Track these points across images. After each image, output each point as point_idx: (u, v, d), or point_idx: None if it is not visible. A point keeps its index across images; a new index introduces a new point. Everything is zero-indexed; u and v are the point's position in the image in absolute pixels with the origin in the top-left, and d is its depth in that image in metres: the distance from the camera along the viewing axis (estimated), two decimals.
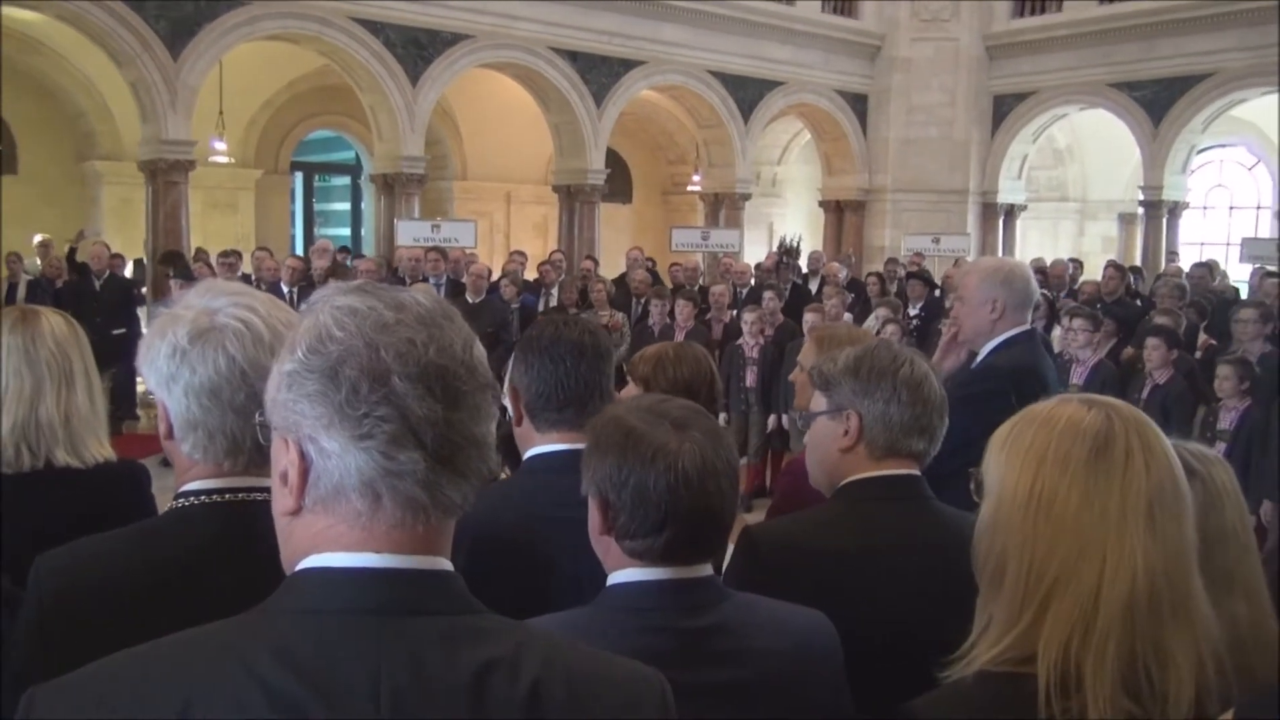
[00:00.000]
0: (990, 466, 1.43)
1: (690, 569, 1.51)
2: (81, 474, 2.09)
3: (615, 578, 1.53)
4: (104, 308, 9.99)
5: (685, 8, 15.70)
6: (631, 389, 2.49)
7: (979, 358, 3.28)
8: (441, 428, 0.98)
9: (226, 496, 1.45)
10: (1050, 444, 1.38)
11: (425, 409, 0.97)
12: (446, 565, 1.04)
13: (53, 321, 2.15)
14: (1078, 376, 6.69)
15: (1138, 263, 16.28)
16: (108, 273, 10.44)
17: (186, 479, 1.48)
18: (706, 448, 1.50)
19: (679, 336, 8.33)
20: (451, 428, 0.99)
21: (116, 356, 9.00)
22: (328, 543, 1.00)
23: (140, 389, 10.22)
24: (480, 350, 1.05)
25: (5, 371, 2.05)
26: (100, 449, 2.15)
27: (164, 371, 1.44)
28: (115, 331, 9.65)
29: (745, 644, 1.51)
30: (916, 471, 1.94)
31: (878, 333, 7.92)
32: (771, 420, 8.31)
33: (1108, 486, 1.31)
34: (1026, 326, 3.26)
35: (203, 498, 1.45)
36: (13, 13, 11.84)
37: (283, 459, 1.02)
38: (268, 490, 1.46)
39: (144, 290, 11.72)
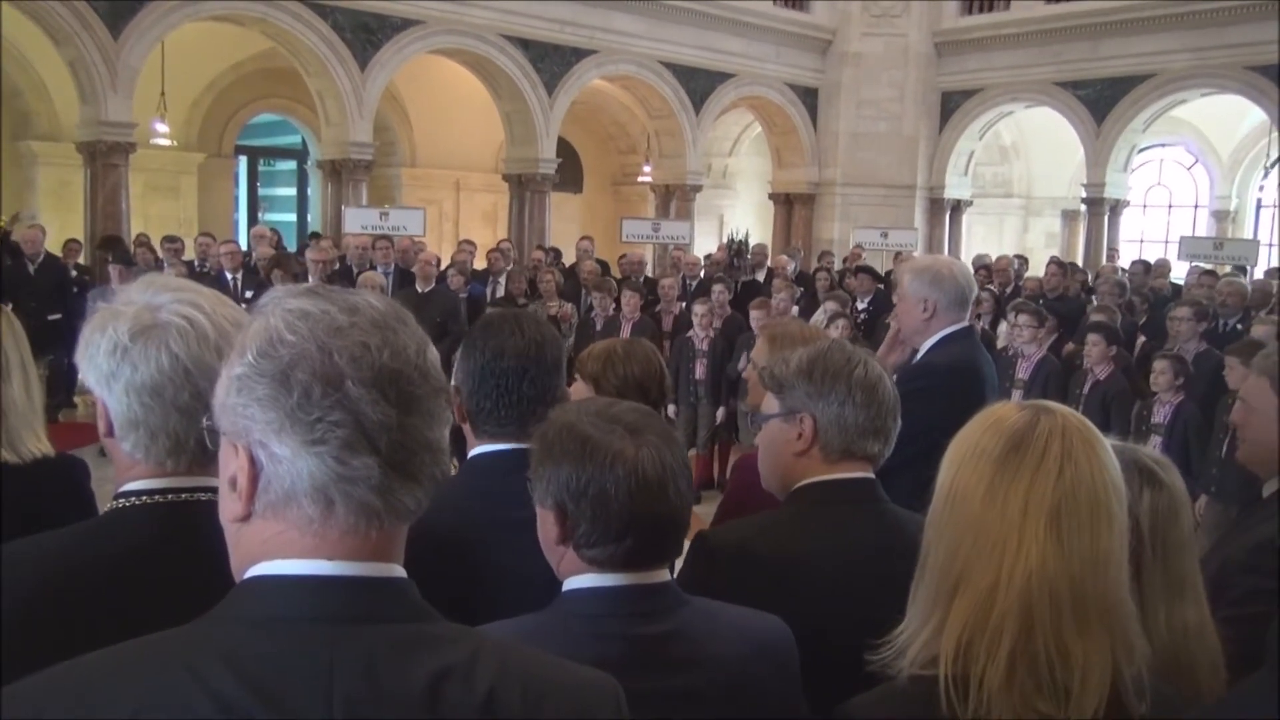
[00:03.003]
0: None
1: (648, 574, 1.50)
2: (18, 470, 2.02)
3: (571, 584, 1.51)
4: (39, 292, 9.73)
5: None
6: (580, 386, 2.46)
7: (918, 355, 3.31)
8: (395, 433, 0.96)
9: (169, 497, 1.41)
10: (971, 441, 1.39)
11: (379, 414, 0.95)
12: (400, 572, 1.02)
13: None
14: (1023, 371, 6.80)
15: (1079, 259, 16.59)
16: (42, 256, 10.18)
17: (127, 478, 1.44)
18: (664, 451, 1.49)
19: (625, 329, 8.33)
20: (405, 433, 0.97)
21: (53, 343, 8.77)
22: (278, 549, 0.98)
23: (80, 376, 9.99)
24: (434, 354, 1.03)
25: None
26: (37, 444, 2.08)
27: (104, 369, 1.40)
28: (51, 317, 9.41)
29: (702, 650, 1.51)
30: (871, 474, 1.94)
31: (826, 326, 7.98)
32: (720, 412, 8.34)
33: (1013, 485, 1.30)
34: (964, 324, 3.29)
35: (144, 498, 1.41)
36: None
37: (231, 464, 0.99)
38: (212, 491, 1.43)
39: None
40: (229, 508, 1.01)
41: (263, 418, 0.95)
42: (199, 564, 1.34)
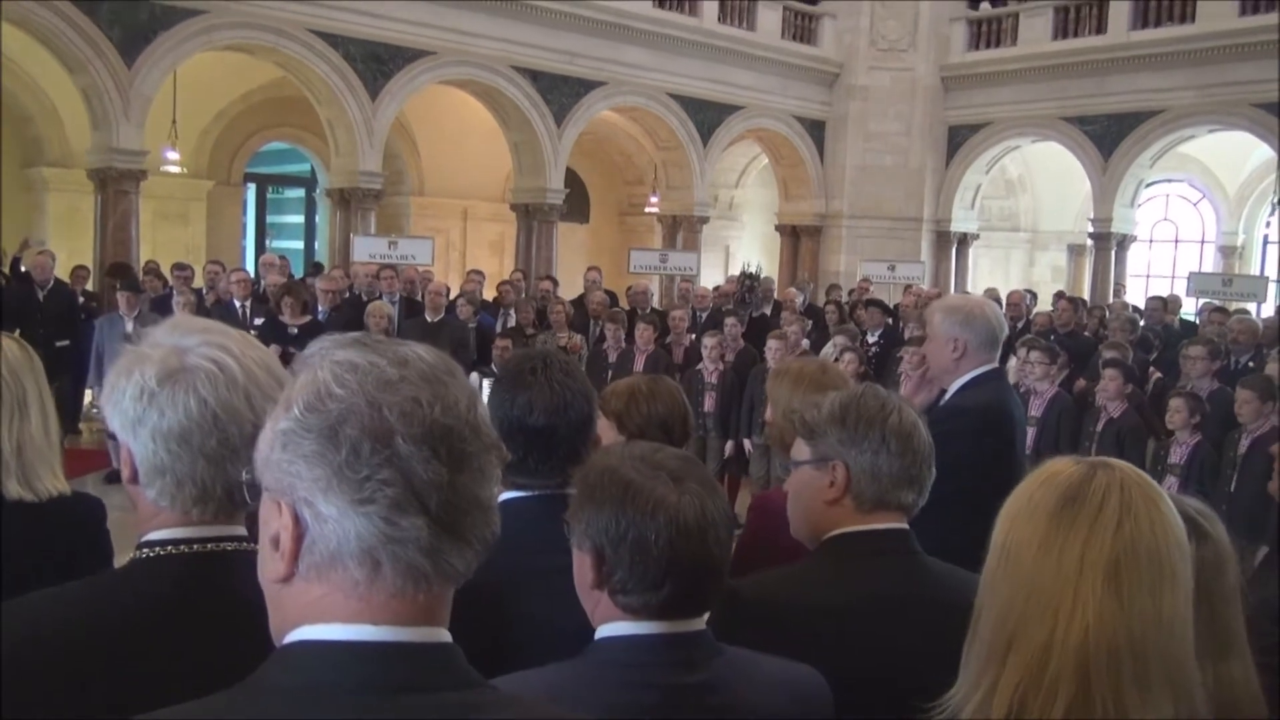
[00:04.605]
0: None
1: (684, 623, 1.47)
2: (34, 507, 1.98)
3: (605, 631, 1.48)
4: (48, 319, 9.72)
5: (647, 30, 15.78)
6: (603, 423, 2.43)
7: (946, 395, 3.26)
8: (446, 492, 0.93)
9: (195, 547, 1.37)
10: (1025, 495, 1.35)
11: (430, 472, 0.92)
12: (445, 636, 0.98)
13: (6, 347, 2.05)
14: (1035, 409, 6.75)
15: (1086, 293, 16.58)
16: (51, 283, 10.18)
17: (151, 526, 1.40)
18: (705, 500, 1.47)
19: (639, 360, 8.29)
20: (456, 491, 0.94)
21: (60, 370, 8.76)
22: (322, 612, 0.94)
23: (85, 403, 9.96)
24: (484, 408, 1.00)
25: None
26: (54, 481, 2.04)
27: (130, 414, 1.36)
28: (59, 344, 9.40)
29: (739, 700, 1.47)
30: (905, 525, 1.89)
31: (835, 360, 7.94)
32: (729, 446, 8.29)
33: (1069, 538, 1.26)
34: (993, 365, 3.25)
35: (169, 548, 1.37)
36: None
37: (274, 522, 0.95)
38: (238, 540, 1.40)
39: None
40: (270, 567, 0.97)
41: (309, 475, 0.92)
42: (227, 617, 1.30)
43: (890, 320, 10.39)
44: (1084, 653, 1.21)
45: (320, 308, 9.16)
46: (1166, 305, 10.81)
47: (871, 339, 9.66)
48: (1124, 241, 17.30)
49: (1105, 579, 1.23)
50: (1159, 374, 8.12)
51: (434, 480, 0.92)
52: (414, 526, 0.92)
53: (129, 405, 1.36)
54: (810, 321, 10.01)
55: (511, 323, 9.85)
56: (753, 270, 13.85)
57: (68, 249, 13.15)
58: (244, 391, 1.36)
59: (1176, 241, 21.18)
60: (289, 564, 0.95)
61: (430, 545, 0.93)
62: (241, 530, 1.40)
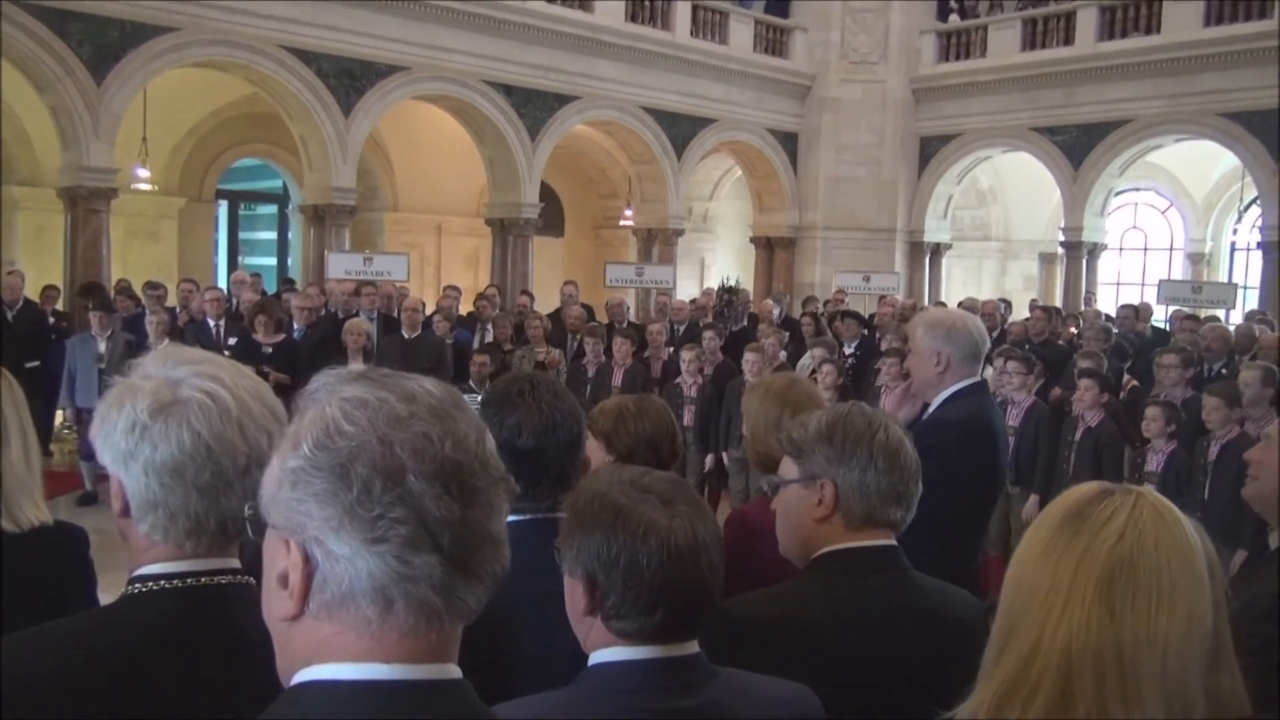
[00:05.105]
0: None
1: (678, 646, 1.47)
2: (16, 538, 1.97)
3: (599, 656, 1.48)
4: (17, 340, 9.59)
5: (620, 44, 15.83)
6: (591, 444, 2.43)
7: (930, 410, 3.28)
8: (458, 528, 0.93)
9: (189, 581, 1.35)
10: (1043, 512, 1.36)
11: (442, 509, 0.92)
12: (456, 672, 0.98)
13: None
14: (1013, 418, 6.79)
15: (1058, 301, 16.74)
16: (20, 303, 10.07)
17: (143, 560, 1.38)
18: (696, 522, 1.47)
19: (617, 375, 8.29)
20: (468, 527, 0.94)
21: (31, 390, 8.62)
22: (332, 652, 0.94)
23: (57, 423, 9.84)
24: (491, 441, 1.00)
25: None
26: (36, 511, 2.03)
27: (121, 447, 1.34)
28: (29, 365, 9.28)
29: None
30: (893, 541, 1.91)
31: (812, 373, 7.98)
32: (709, 459, 8.30)
33: (1067, 547, 1.26)
34: (976, 379, 3.28)
35: (163, 582, 1.35)
36: None
37: (281, 560, 0.95)
38: (232, 573, 1.39)
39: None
40: (278, 606, 0.96)
41: (320, 514, 0.91)
42: (224, 651, 1.30)
43: (866, 331, 10.44)
44: (1067, 658, 1.21)
45: (296, 325, 9.10)
46: (1138, 313, 10.92)
47: (848, 350, 9.70)
48: (1094, 250, 17.49)
49: (1097, 589, 1.23)
50: (1134, 382, 8.20)
51: (446, 517, 0.92)
52: (427, 564, 0.91)
53: (120, 438, 1.34)
54: (787, 334, 10.04)
55: (489, 338, 9.83)
56: (731, 284, 13.89)
57: (37, 268, 13.00)
58: (237, 423, 1.35)
59: (1146, 249, 21.42)
60: (299, 603, 0.94)
61: (443, 583, 0.92)
62: (236, 563, 1.39)
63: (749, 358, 7.73)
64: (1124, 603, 1.23)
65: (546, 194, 17.22)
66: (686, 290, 16.98)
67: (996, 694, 1.25)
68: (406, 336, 8.79)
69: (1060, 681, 1.22)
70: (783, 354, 9.02)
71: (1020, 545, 1.35)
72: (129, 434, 1.33)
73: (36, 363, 9.52)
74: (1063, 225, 17.48)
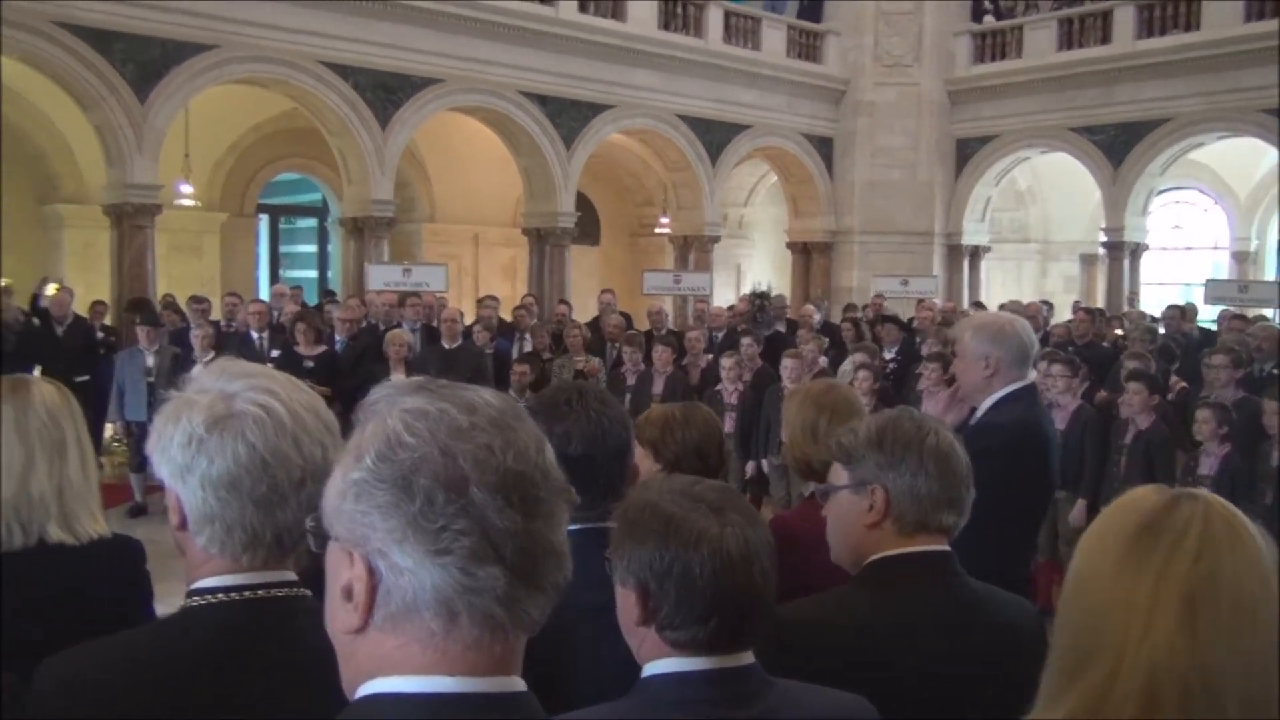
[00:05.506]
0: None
1: (733, 657, 1.46)
2: (75, 550, 1.99)
3: (652, 668, 1.47)
4: (67, 355, 9.78)
5: (653, 53, 15.86)
6: (639, 452, 2.42)
7: (978, 414, 3.24)
8: (521, 539, 0.92)
9: (245, 594, 1.36)
10: (1105, 522, 1.32)
11: (505, 520, 0.91)
12: (521, 685, 0.98)
13: (43, 391, 2.07)
14: (1060, 422, 6.68)
15: (1101, 302, 16.52)
16: (70, 319, 10.25)
17: (201, 573, 1.39)
18: (748, 530, 1.47)
19: (658, 383, 8.28)
20: (530, 538, 0.93)
21: (81, 405, 8.76)
22: (396, 664, 0.94)
23: (106, 436, 10.00)
24: (551, 453, 0.99)
25: None
26: (94, 524, 2.06)
27: (178, 461, 1.35)
28: (78, 379, 9.43)
29: None
30: (946, 547, 1.88)
31: (851, 381, 7.91)
32: (750, 466, 8.27)
33: (1141, 566, 1.21)
34: (1026, 382, 3.23)
35: (220, 595, 1.36)
36: None
37: (345, 573, 0.95)
38: (289, 586, 1.39)
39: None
40: (342, 619, 0.96)
41: (383, 526, 0.91)
42: (282, 664, 1.30)
43: (906, 336, 10.36)
44: (1151, 687, 1.17)
45: (337, 337, 9.19)
46: (1184, 313, 10.74)
47: (888, 355, 9.63)
48: (1136, 250, 17.25)
49: (1179, 613, 1.18)
50: (1182, 384, 8.06)
51: (509, 528, 0.92)
52: (491, 576, 0.91)
53: (177, 452, 1.35)
54: (827, 339, 9.99)
55: (528, 347, 9.86)
56: (763, 289, 13.84)
57: (84, 284, 13.24)
58: (292, 436, 1.36)
59: (1189, 249, 21.10)
60: (363, 615, 0.94)
61: (507, 594, 0.92)
62: (292, 575, 1.40)
63: (787, 364, 7.70)
64: (1208, 624, 1.18)
65: (582, 203, 17.29)
66: (723, 297, 16.95)
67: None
68: (446, 347, 8.85)
69: (1144, 709, 1.17)
70: (823, 360, 8.97)
71: (1081, 557, 1.30)
72: (185, 448, 1.35)
73: (86, 377, 9.68)
74: (1104, 225, 17.27)
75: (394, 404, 0.96)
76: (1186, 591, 1.18)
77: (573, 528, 1.93)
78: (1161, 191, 18.57)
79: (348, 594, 0.94)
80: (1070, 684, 1.24)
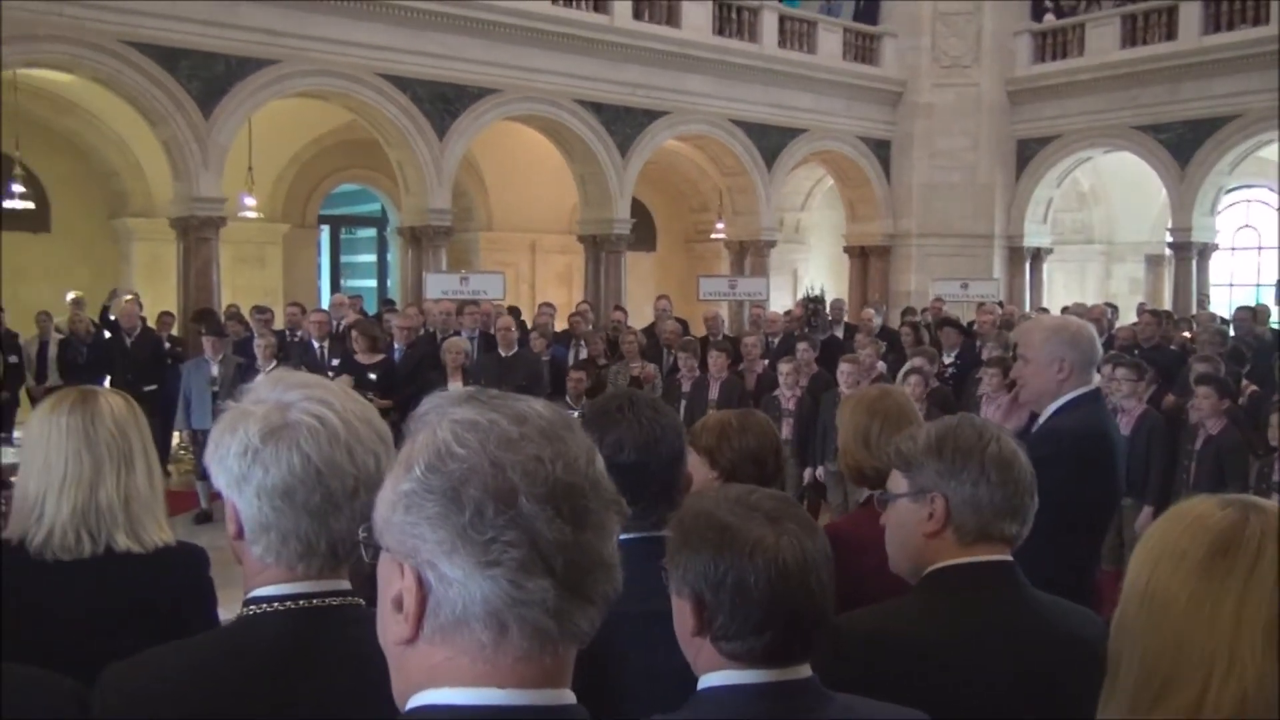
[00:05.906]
0: (1129, 563, 1.33)
1: (790, 670, 1.43)
2: (141, 558, 2.03)
3: (709, 680, 1.45)
4: (135, 365, 10.02)
5: (708, 58, 15.84)
6: (695, 459, 2.41)
7: (1041, 419, 3.16)
8: (570, 551, 0.92)
9: (301, 603, 1.37)
10: (1169, 540, 1.27)
11: (555, 532, 0.91)
12: (571, 698, 0.98)
13: (111, 402, 2.11)
14: (1124, 427, 6.53)
15: (1167, 304, 16.14)
16: (138, 329, 10.50)
17: (257, 582, 1.41)
18: (804, 540, 1.44)
19: (714, 388, 8.25)
20: (580, 550, 0.93)
21: (149, 413, 8.97)
22: (447, 676, 0.93)
23: (173, 445, 10.22)
24: (601, 463, 0.99)
25: (65, 454, 2.00)
26: (160, 532, 2.10)
27: (234, 471, 1.37)
28: (147, 388, 9.67)
29: None
30: (1009, 557, 1.84)
31: (901, 382, 7.81)
32: (808, 473, 8.20)
33: (1222, 590, 1.17)
34: (1090, 387, 3.15)
35: (275, 604, 1.38)
36: (46, 74, 12.06)
37: (395, 584, 0.95)
38: (343, 595, 1.40)
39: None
40: (393, 630, 0.96)
41: (433, 537, 0.91)
42: (337, 672, 1.31)
43: (966, 340, 10.20)
44: (1243, 715, 1.13)
45: (396, 345, 9.29)
46: (1256, 315, 10.45)
47: (948, 360, 9.50)
48: (1205, 250, 16.82)
49: (1265, 638, 1.14)
50: (1254, 387, 7.84)
51: (558, 540, 0.91)
52: (540, 588, 0.91)
53: (233, 463, 1.37)
54: (885, 344, 9.88)
55: (584, 354, 9.89)
56: (816, 294, 13.74)
57: (152, 295, 13.58)
58: (346, 446, 1.37)
59: (1259, 248, 20.53)
60: (413, 627, 0.94)
61: (556, 607, 0.92)
62: (346, 585, 1.40)
63: (844, 369, 7.63)
64: None
65: (638, 209, 17.32)
66: (780, 302, 16.87)
67: None
68: (503, 355, 8.90)
69: None
70: (881, 365, 8.87)
71: (1148, 576, 1.26)
72: (241, 458, 1.36)
73: (154, 386, 9.91)
74: (1170, 226, 16.88)
75: (444, 415, 0.95)
76: (1271, 618, 1.14)
77: (626, 536, 1.93)
78: (1230, 190, 18.09)
79: (398, 605, 0.94)
80: (1148, 711, 1.20)
